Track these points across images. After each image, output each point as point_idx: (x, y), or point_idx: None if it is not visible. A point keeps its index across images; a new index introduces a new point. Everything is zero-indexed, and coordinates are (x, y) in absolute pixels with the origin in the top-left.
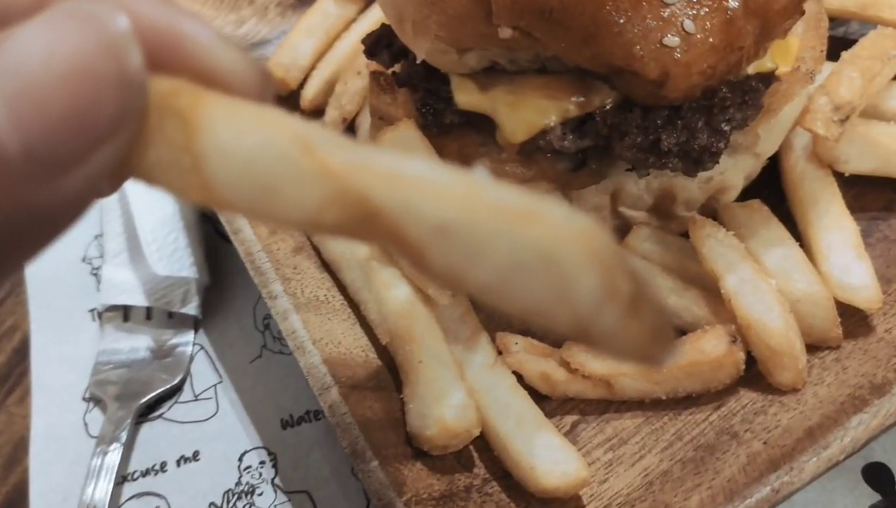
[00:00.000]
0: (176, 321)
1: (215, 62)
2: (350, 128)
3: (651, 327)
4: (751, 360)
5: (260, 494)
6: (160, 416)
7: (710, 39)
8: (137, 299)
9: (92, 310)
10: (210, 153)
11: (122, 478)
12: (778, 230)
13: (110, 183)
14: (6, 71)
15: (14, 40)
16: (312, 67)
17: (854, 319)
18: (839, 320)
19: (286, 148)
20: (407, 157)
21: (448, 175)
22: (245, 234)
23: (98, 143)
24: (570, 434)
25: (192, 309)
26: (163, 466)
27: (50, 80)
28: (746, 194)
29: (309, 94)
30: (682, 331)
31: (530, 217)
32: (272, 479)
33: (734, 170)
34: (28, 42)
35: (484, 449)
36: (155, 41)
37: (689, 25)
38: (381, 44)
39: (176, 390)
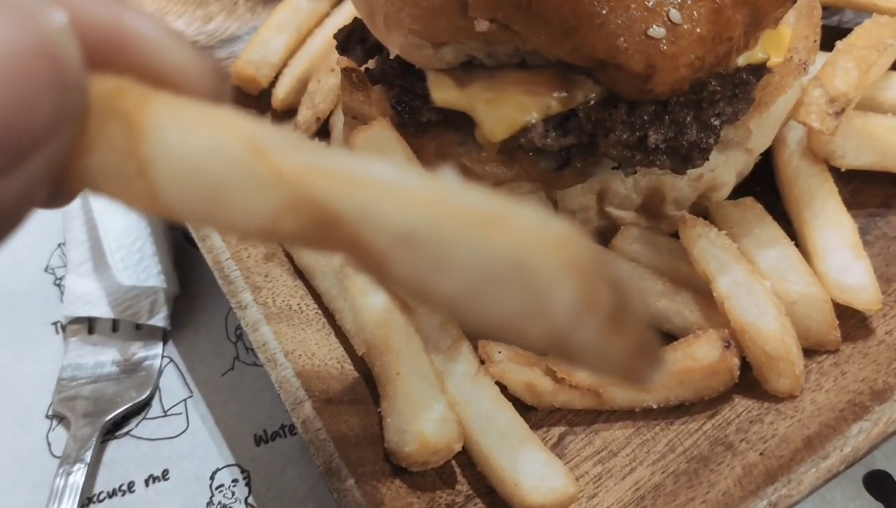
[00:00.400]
0: (143, 333)
1: (164, 60)
2: (324, 128)
3: (635, 342)
4: (745, 366)
5: None
6: (127, 434)
7: (698, 30)
8: (103, 311)
9: (55, 323)
10: (156, 158)
11: (87, 500)
12: (772, 229)
13: (59, 194)
14: None
15: None
16: (284, 65)
17: (853, 321)
18: (837, 322)
19: (237, 151)
20: (368, 159)
21: (412, 177)
22: (213, 242)
23: (31, 149)
24: (557, 447)
25: (160, 320)
26: (130, 486)
27: None
28: (739, 192)
29: (280, 93)
30: (673, 337)
31: (501, 222)
32: (245, 498)
33: (725, 167)
34: None
35: (466, 465)
36: (97, 37)
37: (675, 15)
38: (353, 39)
39: (144, 406)
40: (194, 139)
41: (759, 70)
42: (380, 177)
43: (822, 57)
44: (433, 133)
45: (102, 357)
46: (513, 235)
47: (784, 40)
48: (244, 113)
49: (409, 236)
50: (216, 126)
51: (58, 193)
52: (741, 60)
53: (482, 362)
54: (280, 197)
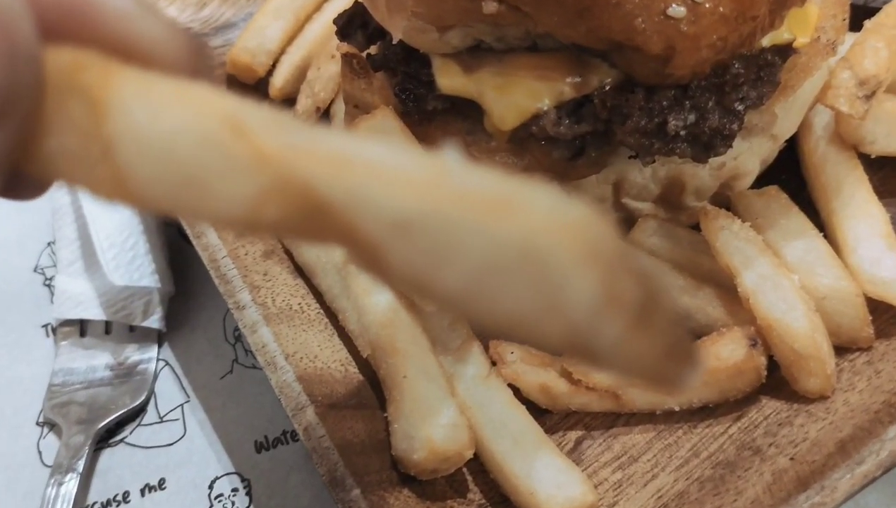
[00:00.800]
0: (138, 335)
1: (132, 31)
2: (324, 118)
3: (666, 341)
4: (773, 366)
5: None
6: (122, 441)
7: (720, 9)
8: (95, 312)
9: (45, 326)
10: (122, 138)
11: None
12: (799, 219)
13: (20, 183)
14: None
15: None
16: (282, 52)
17: (886, 317)
18: (870, 318)
19: (213, 130)
20: (361, 139)
21: (410, 158)
22: (208, 239)
23: None
24: (574, 453)
25: (155, 321)
26: (125, 496)
27: None
28: (763, 180)
29: (278, 82)
30: (696, 335)
31: (509, 206)
32: None
33: (749, 155)
34: None
35: (478, 472)
36: (55, 6)
37: None
38: (354, 24)
39: (139, 412)
40: (165, 118)
41: (785, 51)
42: (373, 159)
43: (851, 37)
44: (439, 122)
45: (95, 361)
46: (523, 221)
47: (811, 19)
48: (222, 91)
49: (406, 224)
50: (189, 103)
51: (17, 182)
52: (766, 41)
53: (494, 363)
54: (261, 181)
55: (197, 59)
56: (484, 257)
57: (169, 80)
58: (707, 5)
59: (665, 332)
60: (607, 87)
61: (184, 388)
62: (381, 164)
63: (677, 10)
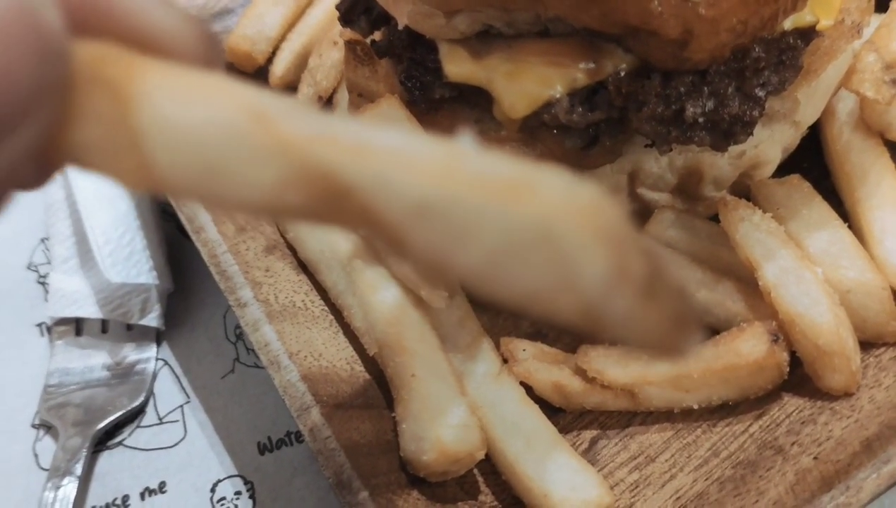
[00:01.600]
0: (135, 334)
1: (150, 23)
2: (328, 106)
3: (671, 311)
4: (795, 362)
5: None
6: (120, 443)
7: None
8: (91, 310)
9: (40, 325)
10: (148, 129)
11: None
12: (822, 209)
13: (37, 172)
14: None
15: None
16: (282, 39)
17: None
18: None
19: (237, 120)
20: (379, 127)
21: (427, 145)
22: (208, 234)
23: (13, 121)
24: (589, 453)
25: (153, 319)
26: (125, 500)
27: None
28: (784, 169)
29: (279, 70)
30: (715, 331)
31: (523, 189)
32: None
33: (770, 142)
34: None
35: (490, 474)
36: (80, 2)
37: None
38: (357, 9)
39: (137, 413)
40: (190, 108)
41: (808, 34)
42: (392, 146)
43: (877, 19)
44: (447, 110)
45: (91, 360)
46: (536, 203)
47: (835, 1)
48: (241, 81)
49: (425, 207)
50: (212, 94)
51: (42, 172)
52: (788, 24)
53: (505, 361)
54: (285, 168)
55: (209, 48)
56: (501, 238)
57: (190, 72)
58: None
59: (669, 303)
60: (622, 73)
61: (184, 388)
62: (399, 151)
63: None
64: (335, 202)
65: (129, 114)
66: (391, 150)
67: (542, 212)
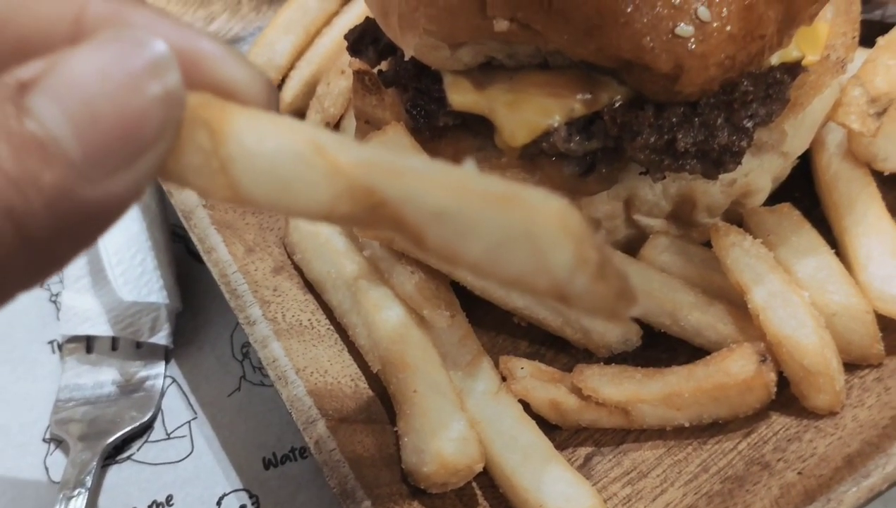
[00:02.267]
0: (145, 352)
1: (230, 76)
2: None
3: (616, 288)
4: (783, 382)
5: None
6: (129, 458)
7: (728, 28)
8: (101, 328)
9: (51, 342)
10: (236, 157)
11: None
12: (811, 237)
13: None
14: (68, 89)
15: (70, 63)
16: (291, 67)
17: None
18: (880, 335)
19: (302, 150)
20: (405, 155)
21: (441, 168)
22: (219, 254)
23: (144, 150)
24: (584, 468)
25: (162, 338)
26: None
27: (105, 97)
28: (775, 197)
29: (288, 97)
30: (706, 351)
31: (513, 200)
32: None
33: (760, 172)
34: (84, 64)
35: (488, 487)
36: (180, 60)
37: (703, 13)
38: (365, 39)
39: (146, 428)
40: (267, 141)
41: (794, 69)
42: (416, 168)
43: (862, 54)
44: (450, 138)
45: (101, 377)
46: (522, 211)
47: (820, 37)
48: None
49: (441, 214)
50: (283, 130)
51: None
52: (775, 59)
53: (504, 379)
54: (338, 186)
55: (272, 95)
56: (496, 236)
57: (264, 113)
58: (715, 24)
59: (615, 282)
60: (617, 104)
61: (191, 405)
62: (422, 172)
63: (685, 30)
64: (374, 211)
65: (222, 145)
66: (416, 172)
67: (526, 217)
